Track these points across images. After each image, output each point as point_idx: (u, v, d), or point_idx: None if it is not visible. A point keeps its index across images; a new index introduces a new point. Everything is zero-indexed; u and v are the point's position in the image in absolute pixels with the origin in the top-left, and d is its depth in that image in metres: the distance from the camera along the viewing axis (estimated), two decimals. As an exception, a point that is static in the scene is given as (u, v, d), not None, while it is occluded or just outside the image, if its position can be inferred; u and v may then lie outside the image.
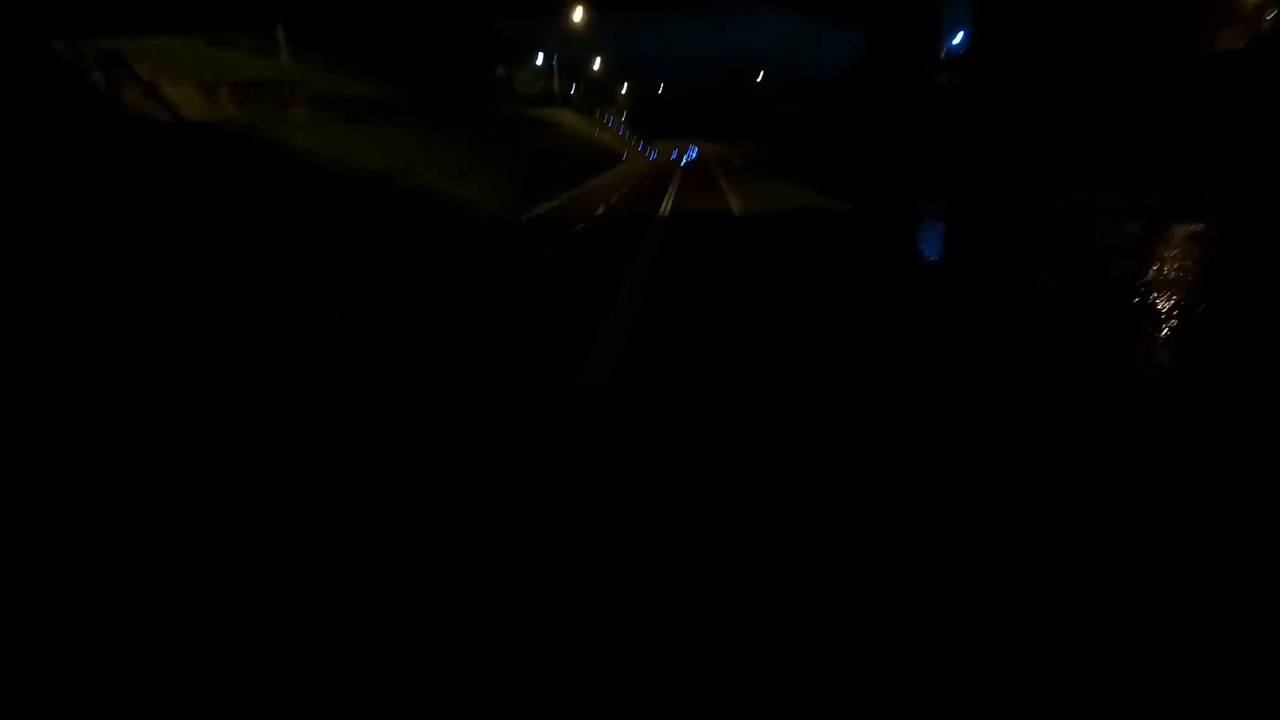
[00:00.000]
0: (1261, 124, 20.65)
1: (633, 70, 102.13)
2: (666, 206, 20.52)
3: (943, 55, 66.32)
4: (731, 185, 28.08)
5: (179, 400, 5.57)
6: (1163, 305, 8.77)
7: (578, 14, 54.83)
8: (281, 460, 4.54)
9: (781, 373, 6.21)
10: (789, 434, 4.88)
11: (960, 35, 65.74)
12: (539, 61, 64.39)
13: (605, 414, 5.31)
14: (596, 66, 79.66)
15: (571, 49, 69.97)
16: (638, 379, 6.12)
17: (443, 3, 43.54)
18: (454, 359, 6.78)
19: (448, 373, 6.38)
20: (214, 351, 6.79)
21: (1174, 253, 12.02)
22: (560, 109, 63.29)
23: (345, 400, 5.63)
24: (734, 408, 5.42)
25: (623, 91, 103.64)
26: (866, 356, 6.71)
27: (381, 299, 9.14)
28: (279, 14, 24.56)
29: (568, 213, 20.03)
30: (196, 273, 9.63)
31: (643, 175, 36.65)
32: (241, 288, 9.43)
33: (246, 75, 19.18)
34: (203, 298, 8.80)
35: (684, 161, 56.90)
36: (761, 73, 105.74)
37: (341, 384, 6.02)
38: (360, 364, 6.60)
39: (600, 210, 20.13)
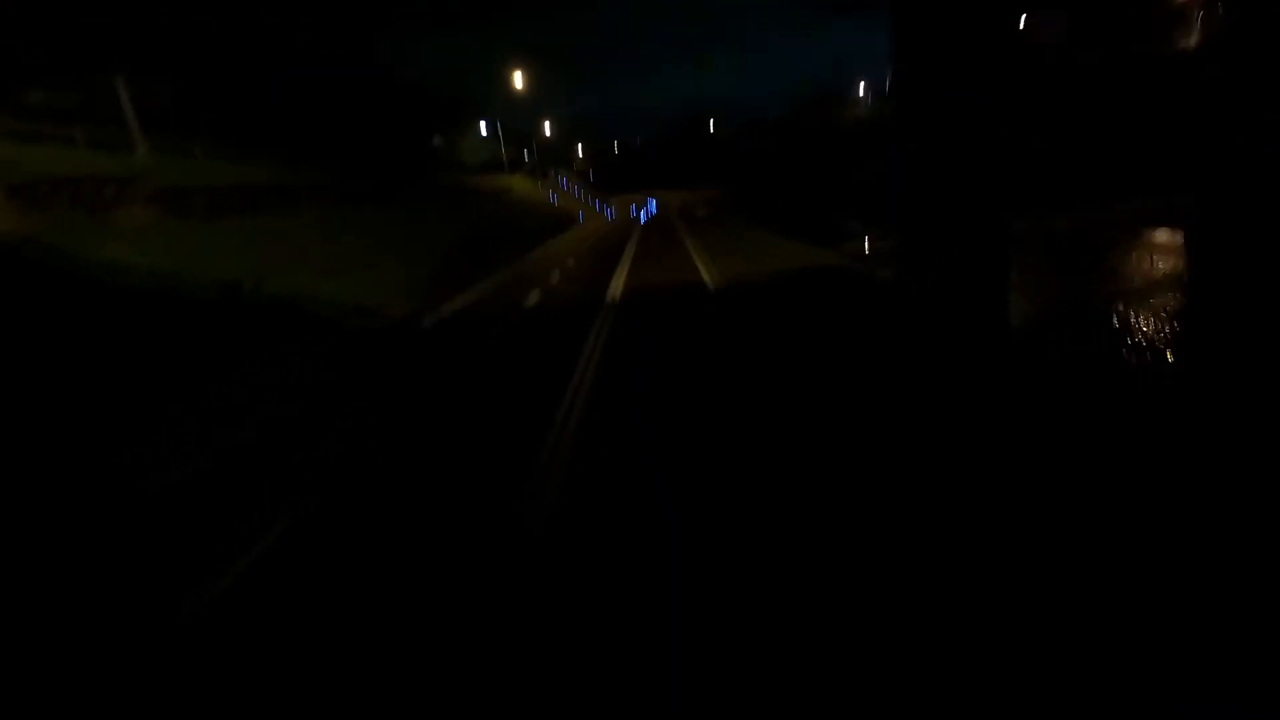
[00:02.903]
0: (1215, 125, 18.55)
1: (588, 129, 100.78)
2: (618, 285, 15.96)
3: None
4: (698, 242, 23.82)
5: None
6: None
7: (518, 79, 52.23)
8: None
9: None
10: None
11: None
12: (483, 127, 61.45)
13: None
14: (548, 129, 77.42)
15: (520, 114, 67.51)
16: None
17: (366, 70, 39.99)
18: None
19: None
20: None
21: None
22: (509, 176, 59.98)
23: None
24: None
25: (579, 151, 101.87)
26: None
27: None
28: (127, 93, 20.20)
29: (490, 305, 15.38)
30: None
31: (596, 240, 32.54)
32: None
33: (45, 172, 14.54)
34: None
35: (643, 217, 53.43)
36: (712, 120, 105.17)
37: None
38: None
39: (533, 299, 15.49)
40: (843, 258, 19.23)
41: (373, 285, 17.02)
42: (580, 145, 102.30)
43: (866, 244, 28.35)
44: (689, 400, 6.74)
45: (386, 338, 12.51)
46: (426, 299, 16.68)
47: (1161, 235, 18.34)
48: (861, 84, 63.22)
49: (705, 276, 15.38)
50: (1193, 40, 34.54)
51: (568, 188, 75.64)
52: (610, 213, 67.04)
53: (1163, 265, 15.83)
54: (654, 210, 60.56)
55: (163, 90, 24.69)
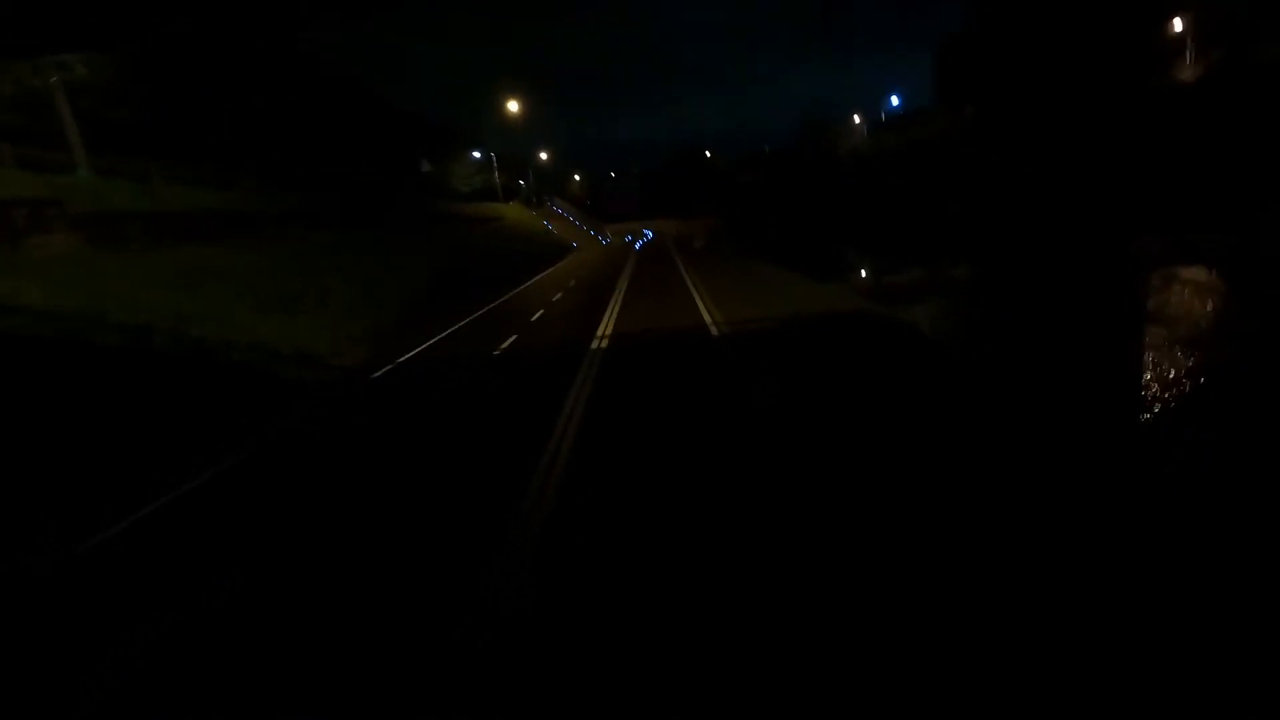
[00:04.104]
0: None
1: (585, 158, 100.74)
2: (607, 326, 13.94)
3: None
4: (697, 276, 21.93)
5: None
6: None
7: (513, 106, 50.80)
8: None
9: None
10: None
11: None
12: (476, 155, 60.14)
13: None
14: (545, 157, 76.37)
15: (517, 142, 66.47)
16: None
17: (349, 91, 38.43)
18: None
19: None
20: None
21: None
22: (504, 204, 58.57)
23: None
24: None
25: (575, 179, 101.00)
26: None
27: None
28: (66, 104, 18.42)
29: (455, 352, 13.31)
30: None
31: (587, 271, 30.70)
32: None
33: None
34: None
35: (639, 245, 51.92)
36: (709, 152, 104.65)
37: None
38: None
39: (506, 343, 13.44)
40: (855, 296, 17.33)
41: (325, 326, 14.95)
42: (577, 174, 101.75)
43: (868, 275, 26.54)
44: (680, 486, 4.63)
45: (318, 395, 10.37)
46: (386, 343, 14.60)
47: (1195, 273, 16.41)
48: (856, 116, 62.94)
49: (706, 317, 13.38)
50: (1189, 73, 33.21)
51: (564, 215, 74.38)
52: (605, 240, 65.64)
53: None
54: (650, 240, 59.13)
55: (119, 108, 22.90)
